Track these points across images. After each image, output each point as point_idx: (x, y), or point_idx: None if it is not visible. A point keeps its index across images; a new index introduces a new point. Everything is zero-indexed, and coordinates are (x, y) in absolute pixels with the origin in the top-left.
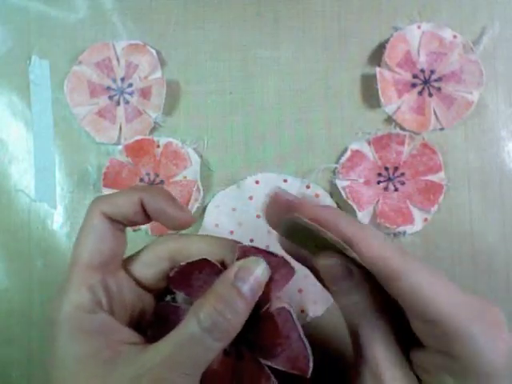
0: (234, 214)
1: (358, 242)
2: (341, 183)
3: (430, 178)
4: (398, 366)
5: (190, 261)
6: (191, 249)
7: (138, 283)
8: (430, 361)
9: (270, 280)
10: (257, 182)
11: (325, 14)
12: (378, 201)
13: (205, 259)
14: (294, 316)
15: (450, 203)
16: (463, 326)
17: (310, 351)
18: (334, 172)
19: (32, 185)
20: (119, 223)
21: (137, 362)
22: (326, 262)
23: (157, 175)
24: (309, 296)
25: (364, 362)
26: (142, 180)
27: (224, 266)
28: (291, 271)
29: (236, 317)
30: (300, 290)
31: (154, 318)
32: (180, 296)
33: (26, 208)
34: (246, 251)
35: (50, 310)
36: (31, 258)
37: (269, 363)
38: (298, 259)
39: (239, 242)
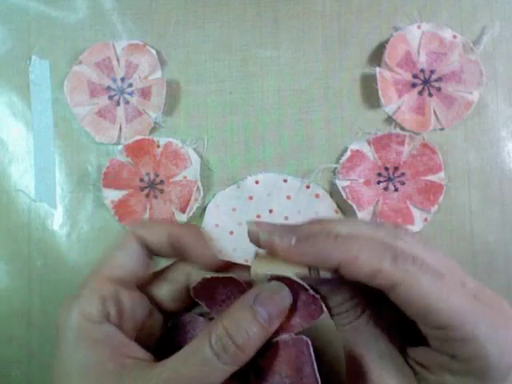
0: (233, 214)
1: (346, 267)
2: (341, 183)
3: (430, 178)
4: (387, 362)
5: (215, 275)
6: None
7: (152, 301)
8: (432, 359)
9: (293, 311)
10: (257, 182)
11: (325, 14)
12: (378, 201)
13: (231, 277)
14: (311, 349)
15: (449, 203)
16: (468, 329)
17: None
18: (334, 172)
19: (32, 185)
20: (151, 250)
21: (143, 377)
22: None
23: (157, 175)
24: None
25: (353, 362)
26: (142, 180)
27: (250, 287)
28: (318, 310)
29: (248, 342)
30: None
31: (167, 330)
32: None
33: (26, 208)
34: (277, 279)
35: (58, 315)
36: (31, 258)
37: None
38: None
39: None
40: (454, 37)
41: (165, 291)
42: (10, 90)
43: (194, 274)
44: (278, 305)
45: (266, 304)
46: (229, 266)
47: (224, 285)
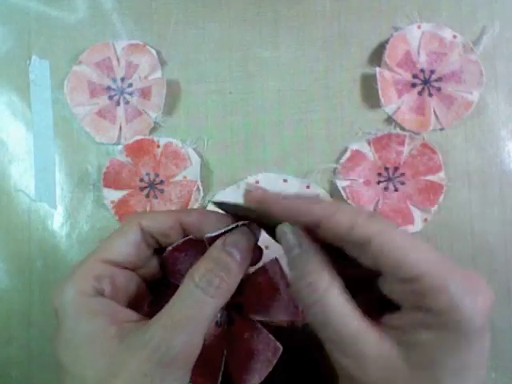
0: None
1: (326, 223)
2: (341, 183)
3: (430, 178)
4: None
5: (175, 244)
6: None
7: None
8: (406, 319)
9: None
10: (257, 182)
11: (325, 14)
12: (378, 201)
13: (190, 238)
14: (282, 265)
15: (450, 203)
16: (440, 280)
17: None
18: (334, 172)
19: (32, 185)
20: (152, 239)
21: (142, 333)
22: (283, 229)
23: (157, 175)
24: None
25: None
26: (142, 180)
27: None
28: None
29: (229, 275)
30: None
31: (152, 298)
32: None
33: (26, 208)
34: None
35: (54, 297)
36: (31, 259)
37: (260, 318)
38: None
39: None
40: (454, 37)
41: (122, 245)
42: (9, 90)
43: (146, 224)
44: (244, 244)
45: (235, 244)
46: None
47: (186, 252)
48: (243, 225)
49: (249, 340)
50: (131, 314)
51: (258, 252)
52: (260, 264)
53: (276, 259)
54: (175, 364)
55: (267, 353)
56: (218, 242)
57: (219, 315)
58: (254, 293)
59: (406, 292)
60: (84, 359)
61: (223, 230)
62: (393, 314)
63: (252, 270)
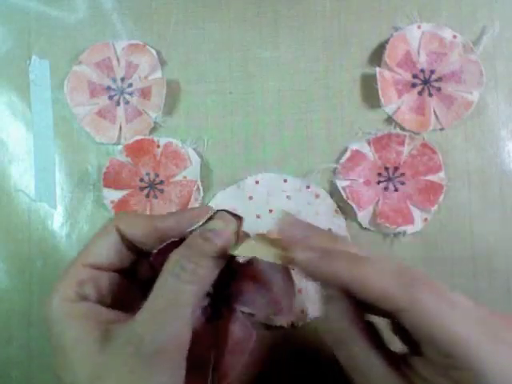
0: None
1: (356, 288)
2: (341, 183)
3: (430, 178)
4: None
5: (161, 246)
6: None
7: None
8: (430, 373)
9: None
10: (257, 182)
11: (325, 14)
12: (378, 201)
13: (182, 238)
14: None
15: (450, 203)
16: (474, 362)
17: (294, 292)
18: (334, 172)
19: (32, 185)
20: (130, 243)
21: (124, 331)
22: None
23: (157, 175)
24: (309, 296)
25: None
26: (142, 180)
27: None
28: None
29: (205, 259)
30: (300, 291)
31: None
32: None
33: (26, 208)
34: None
35: (44, 308)
36: (31, 259)
37: (245, 309)
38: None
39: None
40: (454, 37)
41: (101, 248)
42: (10, 90)
43: (123, 228)
44: (223, 228)
45: (212, 229)
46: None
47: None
48: (223, 211)
49: (232, 331)
50: (118, 315)
51: (244, 238)
52: None
53: None
54: (161, 357)
55: (246, 342)
56: (197, 230)
57: (210, 311)
58: (244, 283)
59: (437, 360)
60: (72, 365)
61: (204, 221)
62: (418, 359)
63: (243, 260)
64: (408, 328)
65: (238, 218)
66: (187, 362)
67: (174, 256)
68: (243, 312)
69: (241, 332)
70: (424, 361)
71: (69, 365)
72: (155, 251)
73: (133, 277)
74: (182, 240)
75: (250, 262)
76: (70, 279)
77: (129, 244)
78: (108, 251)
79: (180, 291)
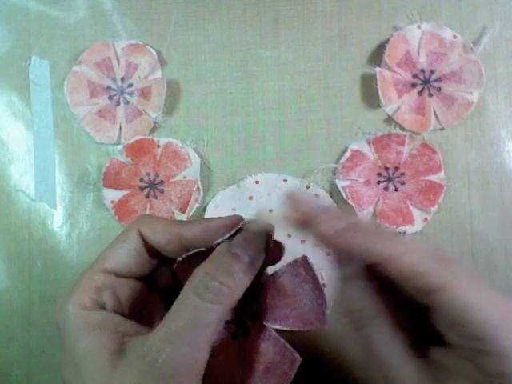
0: (233, 213)
1: (391, 263)
2: (341, 183)
3: (430, 177)
4: (405, 364)
5: (194, 251)
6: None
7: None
8: (453, 363)
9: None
10: (257, 182)
11: (325, 14)
12: (378, 201)
13: (205, 250)
14: (310, 264)
15: (450, 203)
16: (506, 346)
17: (324, 300)
18: (334, 172)
19: (32, 185)
20: (153, 248)
21: (140, 346)
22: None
23: (157, 175)
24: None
25: (370, 363)
26: (142, 180)
27: None
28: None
29: (231, 278)
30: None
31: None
32: None
33: (26, 208)
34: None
35: (55, 312)
36: (31, 258)
37: (278, 326)
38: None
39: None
40: (454, 37)
41: (122, 254)
42: (10, 90)
43: (145, 232)
44: (253, 242)
45: (241, 244)
46: None
47: (197, 263)
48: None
49: (264, 352)
50: (135, 327)
51: (276, 249)
52: (284, 262)
53: (303, 257)
54: (176, 378)
55: (283, 365)
56: (223, 244)
57: (235, 326)
58: (272, 297)
59: (463, 345)
60: (84, 377)
61: (233, 232)
62: (440, 350)
63: (272, 270)
64: (439, 308)
65: (270, 228)
66: (210, 379)
67: (199, 272)
68: (276, 329)
69: (277, 355)
70: (444, 350)
71: (81, 377)
72: (180, 259)
73: (152, 284)
74: (209, 250)
75: (277, 275)
76: (87, 285)
77: (150, 249)
78: (128, 256)
79: (201, 311)
